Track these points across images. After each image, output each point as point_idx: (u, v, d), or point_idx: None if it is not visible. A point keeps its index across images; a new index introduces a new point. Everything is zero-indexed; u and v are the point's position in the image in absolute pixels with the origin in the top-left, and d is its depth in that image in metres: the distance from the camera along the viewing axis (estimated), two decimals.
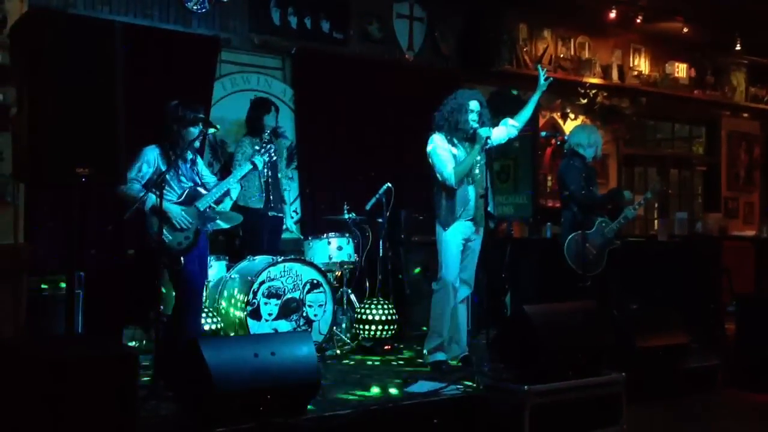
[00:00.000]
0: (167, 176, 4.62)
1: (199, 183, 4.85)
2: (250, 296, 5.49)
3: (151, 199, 4.57)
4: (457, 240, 5.29)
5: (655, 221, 10.25)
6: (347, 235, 6.32)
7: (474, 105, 5.29)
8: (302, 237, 7.01)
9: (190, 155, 4.87)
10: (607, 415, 4.50)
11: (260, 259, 5.80)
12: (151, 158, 4.68)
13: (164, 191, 4.60)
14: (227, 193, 4.94)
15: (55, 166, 3.45)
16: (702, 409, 5.32)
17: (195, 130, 4.73)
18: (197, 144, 4.91)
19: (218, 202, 4.92)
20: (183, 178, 4.76)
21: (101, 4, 6.30)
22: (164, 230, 4.51)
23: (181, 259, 4.63)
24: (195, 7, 6.75)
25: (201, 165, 5.00)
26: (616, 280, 5.99)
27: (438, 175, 5.26)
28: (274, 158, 6.10)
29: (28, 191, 5.62)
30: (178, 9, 6.68)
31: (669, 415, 5.07)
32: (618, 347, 4.97)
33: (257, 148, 5.39)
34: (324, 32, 7.51)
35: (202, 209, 4.73)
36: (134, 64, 6.27)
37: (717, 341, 6.45)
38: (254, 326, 5.49)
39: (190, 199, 4.72)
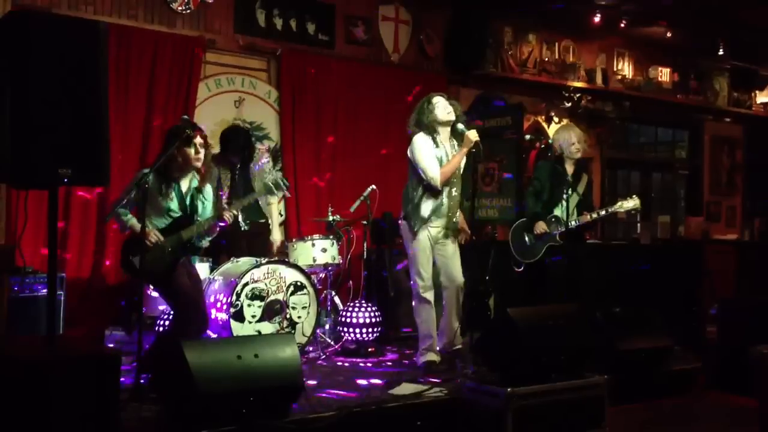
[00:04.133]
0: (159, 201, 4.56)
1: (194, 213, 4.71)
2: (233, 298, 5.47)
3: (129, 219, 4.55)
4: (425, 240, 5.29)
5: (638, 224, 10.31)
6: (331, 236, 6.31)
7: (437, 99, 5.34)
8: (286, 239, 7.00)
9: (194, 183, 4.71)
10: (590, 417, 4.51)
11: (244, 261, 5.79)
12: (139, 178, 4.50)
13: (153, 218, 4.57)
14: (216, 225, 4.79)
15: (37, 167, 3.42)
16: (684, 411, 5.35)
17: (192, 151, 4.58)
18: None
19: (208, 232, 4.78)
20: (174, 205, 4.64)
21: (85, 4, 6.27)
22: (136, 257, 4.44)
23: (163, 282, 4.56)
24: (180, 8, 6.73)
25: (203, 199, 4.78)
26: (590, 281, 5.95)
27: (422, 174, 5.24)
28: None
29: (10, 192, 5.59)
30: (163, 9, 6.67)
31: (651, 418, 5.10)
32: (600, 350, 5.00)
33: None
34: (309, 34, 7.52)
35: (185, 239, 4.63)
36: (118, 65, 6.27)
37: (699, 344, 6.48)
38: (237, 328, 5.47)
39: (175, 228, 4.62)
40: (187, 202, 4.70)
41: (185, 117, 5.14)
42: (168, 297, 4.69)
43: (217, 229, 4.80)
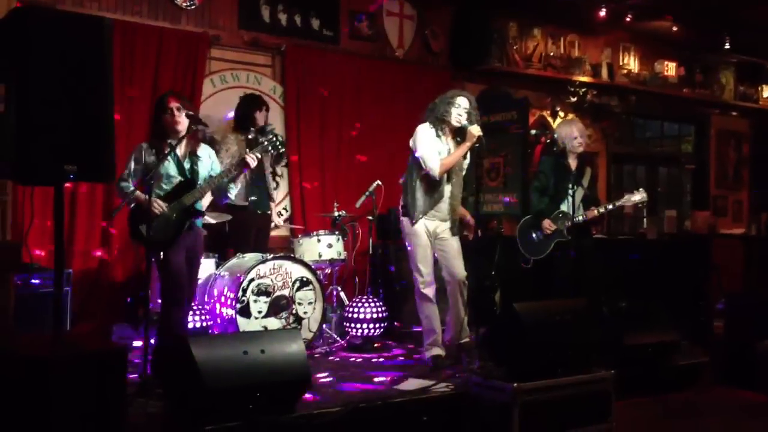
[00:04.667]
0: (157, 168, 4.64)
1: (193, 177, 4.79)
2: (240, 294, 5.48)
3: (135, 193, 4.66)
4: (423, 235, 5.29)
5: (644, 219, 10.29)
6: (337, 232, 6.31)
7: (461, 101, 5.28)
8: (292, 234, 7.01)
9: (191, 147, 4.83)
10: (596, 412, 4.51)
11: (250, 257, 5.80)
12: (138, 154, 4.72)
13: (154, 186, 4.63)
14: (222, 191, 4.91)
15: (43, 164, 3.43)
16: (690, 406, 5.34)
17: (167, 117, 4.72)
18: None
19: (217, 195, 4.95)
20: (173, 171, 4.73)
21: (90, 0, 6.28)
22: (144, 226, 4.56)
23: (161, 253, 4.63)
24: (184, 4, 6.73)
25: (204, 159, 4.90)
26: (595, 276, 5.92)
27: (422, 163, 5.23)
28: (274, 153, 6.01)
29: (16, 189, 5.60)
30: (167, 5, 6.67)
31: (657, 412, 5.09)
32: (607, 344, 4.99)
33: (248, 145, 5.37)
34: (314, 29, 7.52)
35: (188, 204, 4.71)
36: (123, 61, 6.28)
37: (705, 338, 6.46)
38: (243, 324, 5.48)
39: (177, 194, 4.70)
40: (186, 167, 4.77)
41: (190, 113, 5.15)
42: (160, 269, 4.73)
43: (244, 172, 4.98)
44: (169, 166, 4.71)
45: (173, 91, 5.06)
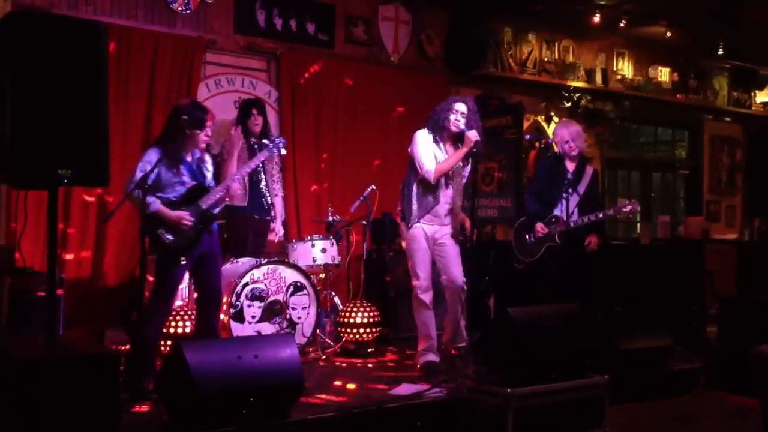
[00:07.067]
0: (171, 175, 4.65)
1: (204, 181, 4.82)
2: (233, 298, 5.47)
3: (153, 203, 4.58)
4: (421, 240, 5.30)
5: (638, 224, 10.31)
6: (331, 237, 6.31)
7: (460, 106, 5.29)
8: (286, 239, 7.00)
9: (197, 153, 4.84)
10: (590, 417, 4.51)
11: (244, 262, 5.79)
12: (153, 159, 4.60)
13: (167, 191, 4.65)
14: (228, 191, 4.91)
15: (37, 168, 3.42)
16: (685, 411, 5.35)
17: (202, 135, 4.75)
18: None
19: (221, 200, 4.90)
20: (186, 177, 4.72)
21: (85, 5, 6.27)
22: (164, 232, 4.57)
23: (182, 259, 4.63)
24: (179, 8, 6.73)
25: (209, 163, 4.95)
26: (585, 282, 5.90)
27: (418, 167, 5.25)
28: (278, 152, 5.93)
29: (10, 193, 5.59)
30: (163, 10, 6.66)
31: (651, 417, 5.10)
32: (601, 349, 4.99)
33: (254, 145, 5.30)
34: (309, 34, 7.52)
35: (204, 207, 4.71)
36: (119, 65, 6.27)
37: (699, 343, 6.47)
38: (237, 329, 5.47)
39: (193, 198, 4.70)
40: (196, 172, 4.79)
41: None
42: (164, 273, 4.69)
43: (226, 198, 4.92)
44: (183, 177, 4.72)
45: (206, 107, 4.96)
